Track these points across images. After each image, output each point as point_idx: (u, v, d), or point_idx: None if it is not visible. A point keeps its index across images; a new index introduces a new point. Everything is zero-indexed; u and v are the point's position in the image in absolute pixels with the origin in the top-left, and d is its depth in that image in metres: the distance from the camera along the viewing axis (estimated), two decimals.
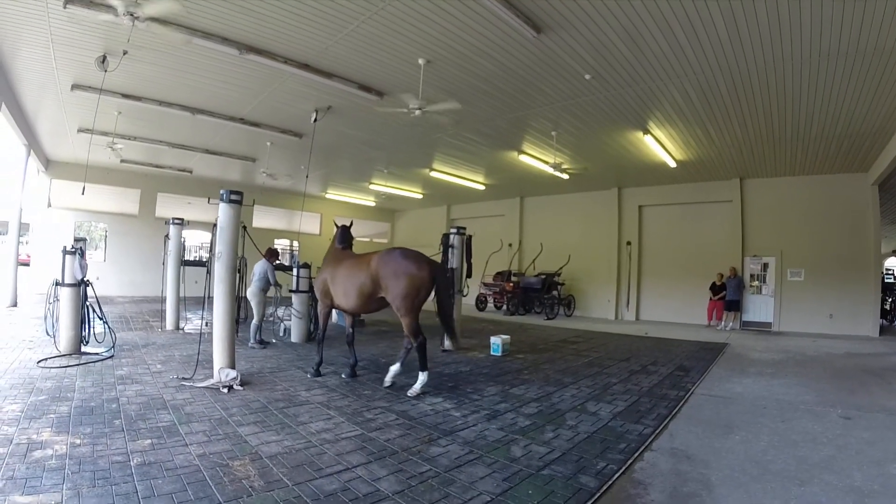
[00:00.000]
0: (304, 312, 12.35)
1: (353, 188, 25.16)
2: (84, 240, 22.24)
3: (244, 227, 8.57)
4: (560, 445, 5.67)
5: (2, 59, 11.01)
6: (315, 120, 13.44)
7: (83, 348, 9.63)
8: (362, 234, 30.13)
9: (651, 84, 10.86)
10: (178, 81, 11.79)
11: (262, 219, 26.18)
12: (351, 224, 9.78)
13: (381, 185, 23.61)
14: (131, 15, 7.69)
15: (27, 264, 21.21)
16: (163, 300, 13.57)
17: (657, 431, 6.29)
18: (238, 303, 10.21)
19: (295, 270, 12.53)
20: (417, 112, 10.50)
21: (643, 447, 5.68)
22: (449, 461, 5.09)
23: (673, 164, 16.40)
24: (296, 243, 27.92)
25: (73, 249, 9.77)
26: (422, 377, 7.68)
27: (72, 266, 9.62)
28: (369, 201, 28.33)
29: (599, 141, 14.93)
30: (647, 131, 13.73)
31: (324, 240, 26.23)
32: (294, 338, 12.27)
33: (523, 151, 16.28)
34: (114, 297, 21.02)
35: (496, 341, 11.50)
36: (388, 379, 8.07)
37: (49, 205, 21.44)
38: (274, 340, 11.87)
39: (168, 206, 23.20)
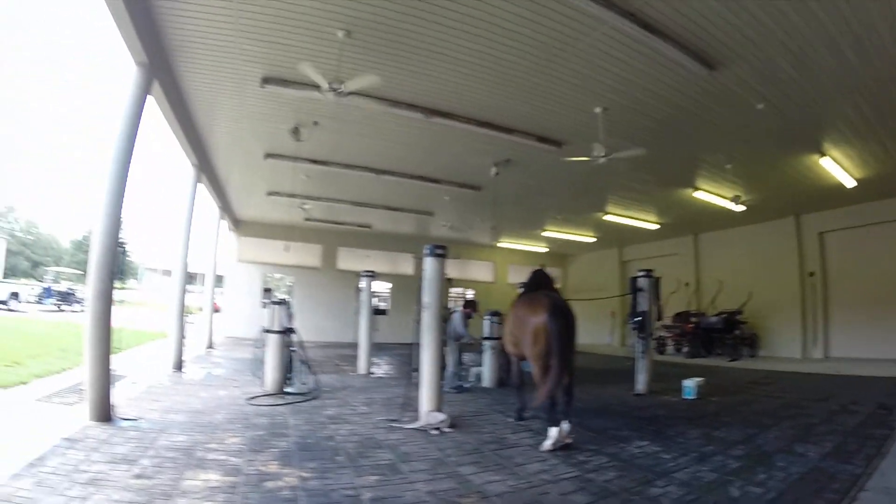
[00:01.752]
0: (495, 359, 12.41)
1: (526, 235, 25.36)
2: (270, 290, 23.86)
3: (449, 280, 8.85)
4: (775, 486, 5.36)
5: (200, 132, 12.26)
6: (496, 174, 13.88)
7: (286, 388, 10.29)
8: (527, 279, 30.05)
9: (822, 104, 10.34)
10: (364, 146, 12.63)
11: None
12: (541, 269, 9.37)
13: (554, 232, 23.66)
14: (334, 90, 8.40)
15: (218, 311, 23.05)
16: (354, 346, 14.23)
17: (868, 471, 6.01)
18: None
19: (486, 318, 12.67)
20: (602, 160, 10.58)
21: (856, 487, 5.46)
22: (671, 501, 5.00)
23: (851, 184, 15.21)
24: (470, 291, 28.24)
25: (281, 300, 10.65)
26: (551, 433, 6.87)
27: (279, 315, 10.43)
28: (541, 247, 28.37)
29: (774, 168, 14.16)
30: (822, 153, 12.99)
31: (498, 287, 26.70)
32: (486, 383, 12.38)
33: (697, 187, 15.94)
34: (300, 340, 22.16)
35: (689, 384, 11.06)
36: (547, 444, 6.88)
37: (238, 259, 23.23)
38: (467, 385, 12.08)
39: (348, 259, 24.56)
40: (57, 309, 35.52)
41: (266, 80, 9.51)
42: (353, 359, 14.54)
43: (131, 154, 7.78)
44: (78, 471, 5.15)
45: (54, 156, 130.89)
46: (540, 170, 14.34)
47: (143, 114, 8.06)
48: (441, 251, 8.20)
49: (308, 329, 23.18)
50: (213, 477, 5.19)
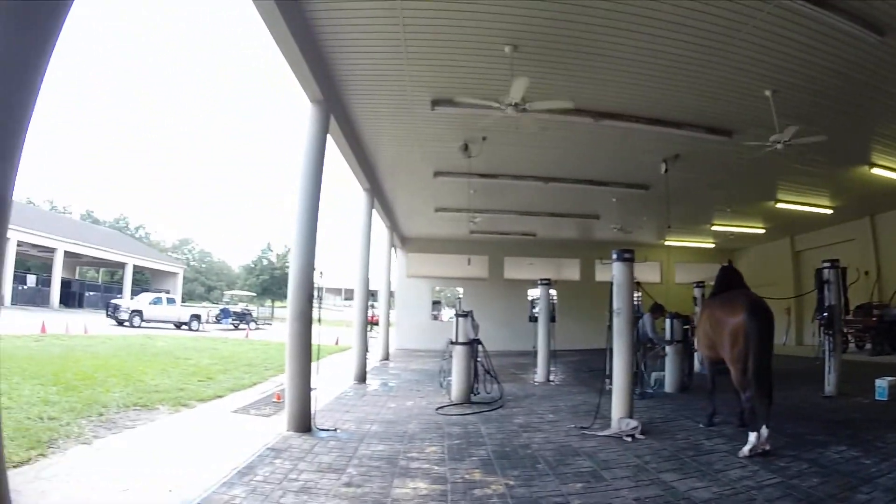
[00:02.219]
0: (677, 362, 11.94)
1: (694, 232, 24.29)
2: (439, 303, 24.22)
3: (638, 284, 8.58)
4: None
5: (369, 157, 12.62)
6: (666, 171, 13.43)
7: (472, 398, 10.27)
8: (700, 278, 28.85)
9: None
10: (531, 155, 12.57)
11: (603, 272, 26.02)
12: (730, 265, 8.81)
13: (723, 225, 22.41)
14: (515, 106, 8.35)
15: (375, 324, 23.73)
16: (526, 354, 14.11)
17: None
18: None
19: (668, 322, 12.23)
20: (779, 146, 9.98)
21: None
22: None
23: None
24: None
25: (465, 313, 10.67)
26: (751, 438, 6.42)
27: (465, 327, 10.48)
28: (708, 243, 27.11)
29: None
30: None
31: (665, 288, 25.81)
32: (668, 388, 11.91)
33: (874, 164, 14.63)
34: None
35: (882, 384, 10.05)
36: (746, 449, 6.44)
37: (407, 275, 23.71)
38: (649, 391, 11.63)
39: (514, 268, 24.58)
40: (234, 328, 38.14)
41: (436, 103, 9.67)
42: (525, 367, 14.44)
43: (319, 188, 8.27)
44: (288, 479, 5.30)
45: (222, 190, 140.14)
46: (709, 162, 13.73)
47: (324, 149, 8.51)
48: (629, 255, 8.01)
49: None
50: (421, 485, 5.20)
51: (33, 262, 50.11)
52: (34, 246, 42.79)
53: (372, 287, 16.29)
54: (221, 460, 5.98)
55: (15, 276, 41.04)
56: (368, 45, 8.14)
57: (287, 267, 70.07)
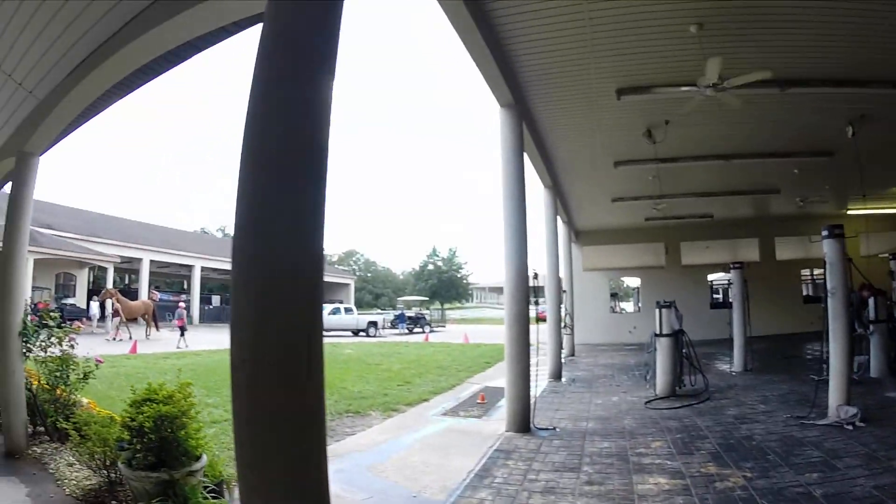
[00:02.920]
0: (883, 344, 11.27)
1: (883, 197, 22.59)
2: (616, 295, 23.99)
3: (850, 260, 8.29)
4: None
5: (549, 153, 12.71)
6: (852, 134, 12.78)
7: (676, 391, 10.16)
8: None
9: None
10: (712, 134, 12.20)
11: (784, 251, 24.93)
12: None
13: None
14: (713, 87, 8.29)
15: (543, 320, 23.70)
16: (710, 343, 13.77)
17: None
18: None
19: (871, 301, 11.52)
20: None
21: None
22: None
23: None
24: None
25: (668, 303, 10.57)
26: None
27: (668, 318, 10.41)
28: None
29: None
30: None
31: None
32: (873, 373, 11.20)
33: None
34: None
35: None
36: None
37: (583, 268, 23.63)
38: (855, 377, 11.08)
39: (690, 253, 23.94)
40: (408, 332, 39.58)
41: (621, 92, 9.58)
42: (712, 356, 14.17)
43: (523, 191, 8.62)
44: (528, 480, 5.61)
45: (384, 201, 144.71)
46: None
47: (522, 151, 8.88)
48: (839, 230, 7.73)
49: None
50: (661, 480, 5.38)
51: (214, 284, 54.76)
52: (214, 270, 48.25)
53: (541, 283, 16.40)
54: (451, 464, 6.38)
55: (201, 297, 45.07)
56: (553, 43, 8.19)
57: (455, 270, 71.46)
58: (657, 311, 10.60)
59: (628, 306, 32.47)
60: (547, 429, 7.80)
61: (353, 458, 6.92)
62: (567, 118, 10.94)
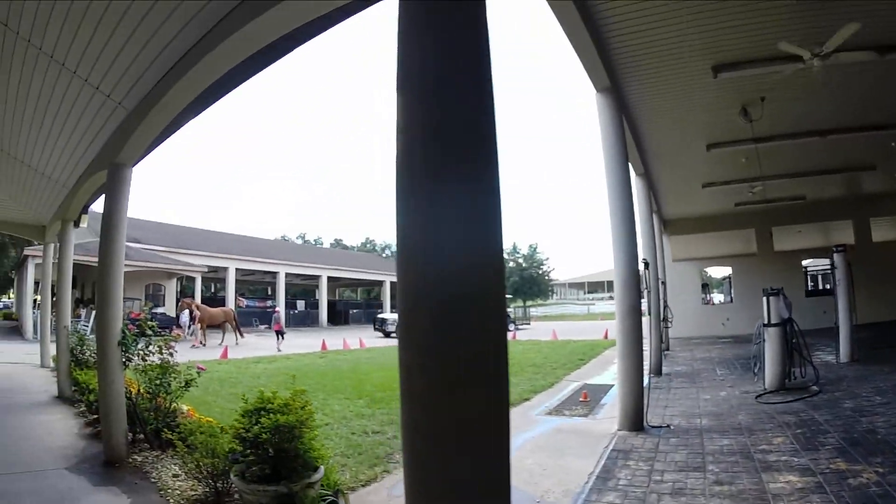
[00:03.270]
0: None
1: None
2: (706, 285, 23.49)
3: None
4: None
5: (641, 140, 12.50)
6: None
7: (785, 384, 9.88)
8: None
9: None
10: (809, 109, 11.79)
11: (880, 232, 23.74)
12: None
13: None
14: (817, 55, 8.04)
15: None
16: (810, 332, 13.35)
17: None
18: None
19: None
20: None
21: None
22: None
23: None
24: None
25: (775, 290, 10.24)
26: None
27: (776, 306, 10.09)
28: None
29: None
30: None
31: None
32: None
33: None
34: (747, 335, 21.13)
35: None
36: None
37: (672, 259, 23.20)
38: None
39: (782, 239, 23.25)
40: None
41: (717, 69, 9.25)
42: (812, 346, 13.67)
43: (627, 179, 8.59)
44: (653, 481, 5.61)
45: None
46: None
47: (623, 138, 8.75)
48: None
49: (753, 320, 22.32)
50: (792, 478, 5.33)
51: (296, 290, 56.42)
52: (297, 275, 50.63)
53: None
54: (568, 465, 6.41)
55: (286, 302, 46.39)
56: (648, 22, 7.93)
57: (536, 266, 71.20)
58: (764, 299, 10.24)
59: (717, 297, 31.78)
60: (660, 426, 7.75)
61: None
62: (660, 101, 10.67)
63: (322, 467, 5.02)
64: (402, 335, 2.44)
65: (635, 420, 7.70)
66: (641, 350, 8.01)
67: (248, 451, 4.82)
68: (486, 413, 2.35)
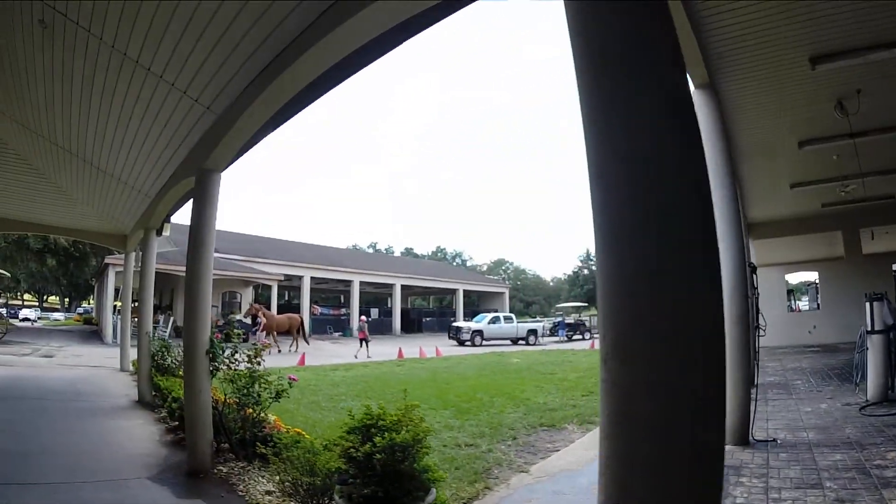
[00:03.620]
0: None
1: None
2: (792, 291, 22.70)
3: None
4: None
5: (730, 139, 12.09)
6: None
7: (889, 395, 9.37)
8: None
9: None
10: None
11: None
12: None
13: None
14: None
15: None
16: None
17: None
18: None
19: None
20: None
21: None
22: None
23: None
24: None
25: (878, 295, 9.76)
26: None
27: (880, 312, 9.58)
28: None
29: None
30: None
31: None
32: None
33: None
34: (836, 343, 20.45)
35: None
36: None
37: (756, 264, 22.49)
38: None
39: (869, 241, 22.27)
40: (567, 339, 39.55)
41: (815, 60, 8.74)
42: None
43: (731, 178, 8.57)
44: (771, 499, 5.32)
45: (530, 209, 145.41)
46: None
47: (724, 133, 8.74)
48: None
49: (841, 328, 21.53)
50: None
51: (369, 297, 57.44)
52: (370, 283, 52.56)
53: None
54: None
55: (360, 310, 47.13)
56: (741, 13, 7.56)
57: None
58: (867, 304, 9.70)
59: (803, 304, 30.66)
60: (766, 441, 7.44)
61: (568, 479, 6.85)
62: (753, 97, 10.20)
63: (434, 489, 4.78)
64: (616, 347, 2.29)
65: (741, 434, 7.40)
66: (749, 361, 7.71)
67: (357, 471, 4.56)
68: (717, 447, 2.22)
